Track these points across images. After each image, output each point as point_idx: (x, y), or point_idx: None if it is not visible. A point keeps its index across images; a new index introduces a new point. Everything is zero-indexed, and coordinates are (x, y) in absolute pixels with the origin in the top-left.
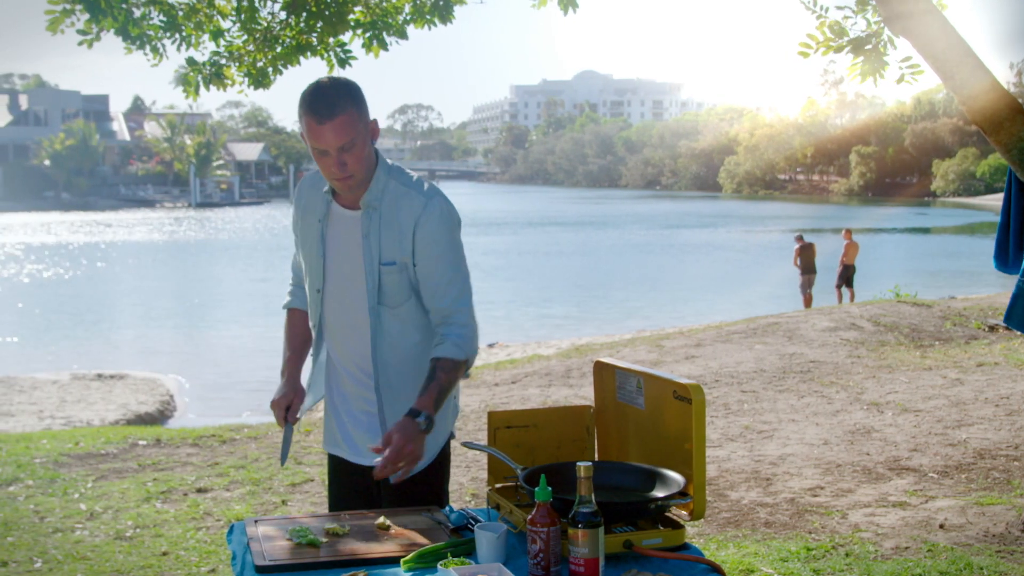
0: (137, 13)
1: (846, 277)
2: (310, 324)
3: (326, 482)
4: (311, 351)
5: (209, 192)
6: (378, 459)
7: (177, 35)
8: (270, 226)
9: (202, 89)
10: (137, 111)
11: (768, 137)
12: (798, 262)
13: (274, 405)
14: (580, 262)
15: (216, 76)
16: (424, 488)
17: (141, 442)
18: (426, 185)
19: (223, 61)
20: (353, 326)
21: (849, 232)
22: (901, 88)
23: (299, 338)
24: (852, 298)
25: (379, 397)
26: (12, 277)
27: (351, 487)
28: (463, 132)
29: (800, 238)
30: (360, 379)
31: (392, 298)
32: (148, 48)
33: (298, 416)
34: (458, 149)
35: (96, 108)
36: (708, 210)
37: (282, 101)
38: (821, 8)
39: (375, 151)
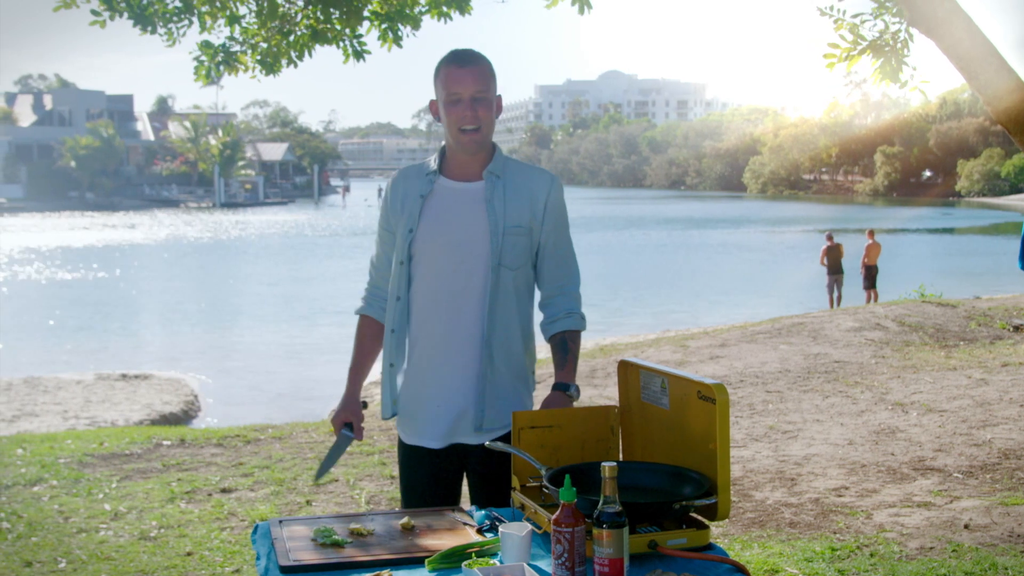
0: None
1: (871, 278)
2: (393, 298)
3: (351, 482)
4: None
5: (233, 192)
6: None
7: (188, 19)
8: (295, 226)
9: (226, 88)
10: (162, 112)
11: (793, 137)
12: (825, 261)
13: (333, 421)
14: (604, 262)
15: (227, 62)
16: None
17: (165, 442)
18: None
19: (237, 47)
20: (462, 291)
21: (872, 232)
22: (926, 88)
23: (368, 349)
24: (876, 299)
25: (485, 357)
26: (36, 278)
27: (427, 475)
28: None
29: (830, 237)
30: (460, 348)
31: (512, 260)
32: (162, 28)
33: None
34: None
35: (120, 108)
36: (733, 210)
37: (306, 101)
38: (839, 12)
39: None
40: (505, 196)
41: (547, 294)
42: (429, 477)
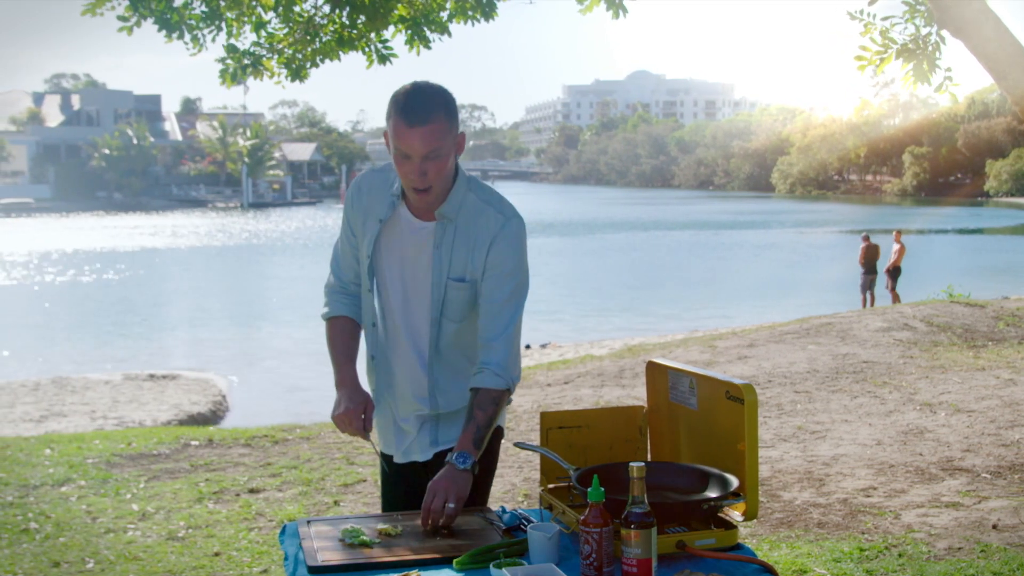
0: (178, 2)
1: (895, 279)
2: (364, 322)
3: (378, 482)
4: (367, 346)
5: (261, 192)
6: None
7: (216, 25)
8: (322, 226)
9: (253, 88)
10: (189, 111)
11: (821, 137)
12: (863, 261)
13: (347, 415)
14: (633, 262)
15: (254, 66)
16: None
17: (193, 442)
18: (504, 203)
19: (263, 52)
20: (411, 334)
21: (899, 234)
22: (957, 90)
23: (350, 344)
24: (898, 299)
25: (432, 404)
26: (65, 278)
27: (403, 486)
28: (516, 132)
29: (866, 238)
30: (414, 384)
31: (455, 313)
32: (188, 37)
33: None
34: (511, 149)
35: (148, 108)
36: (761, 210)
37: (333, 101)
38: (868, 15)
39: (456, 164)
40: (454, 243)
41: (478, 337)
42: (401, 486)
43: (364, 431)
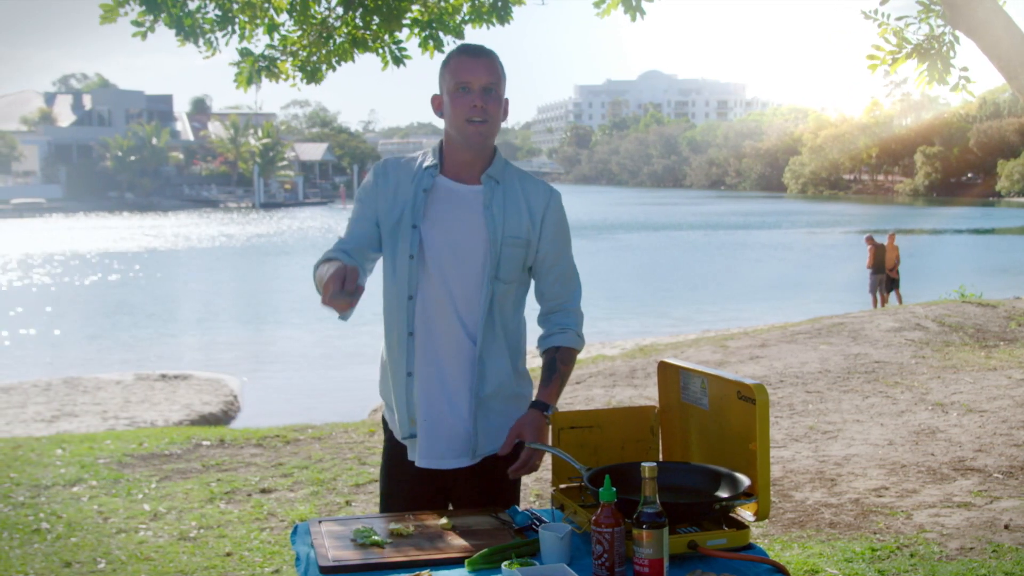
0: (192, 5)
1: (892, 284)
2: (404, 296)
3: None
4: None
5: (273, 192)
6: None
7: (230, 28)
8: (330, 226)
9: (264, 87)
10: (200, 111)
11: (833, 137)
12: (872, 263)
13: (331, 278)
14: (644, 263)
15: (269, 69)
16: (499, 485)
17: (205, 442)
18: (540, 179)
19: (277, 55)
20: (458, 302)
21: (893, 236)
22: (971, 88)
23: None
24: (884, 303)
25: (477, 374)
26: (76, 278)
27: (410, 485)
28: (527, 132)
29: (870, 239)
30: (455, 362)
31: (507, 273)
32: (201, 41)
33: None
34: (522, 149)
35: (160, 108)
36: (773, 210)
37: (345, 101)
38: (883, 15)
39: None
40: (504, 203)
41: (546, 310)
42: (412, 487)
43: (346, 295)
